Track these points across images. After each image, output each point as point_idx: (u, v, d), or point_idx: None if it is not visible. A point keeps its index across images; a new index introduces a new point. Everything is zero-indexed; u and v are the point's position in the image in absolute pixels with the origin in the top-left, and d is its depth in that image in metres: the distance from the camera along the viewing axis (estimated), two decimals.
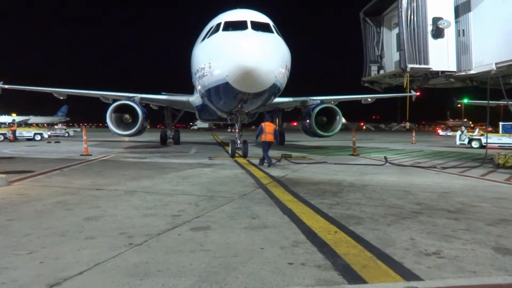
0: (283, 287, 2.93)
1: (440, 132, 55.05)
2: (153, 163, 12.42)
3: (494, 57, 9.88)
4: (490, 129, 23.87)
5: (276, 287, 2.92)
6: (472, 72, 10.64)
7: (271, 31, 12.17)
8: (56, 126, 51.53)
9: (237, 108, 13.65)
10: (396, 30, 11.71)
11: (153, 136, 30.97)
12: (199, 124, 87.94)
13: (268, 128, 12.21)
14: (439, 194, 6.98)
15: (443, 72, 10.94)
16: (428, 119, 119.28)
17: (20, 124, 44.28)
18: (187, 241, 4.05)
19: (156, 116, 28.16)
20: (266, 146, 11.97)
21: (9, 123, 37.86)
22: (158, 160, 13.67)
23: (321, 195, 6.79)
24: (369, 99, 26.74)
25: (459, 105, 42.30)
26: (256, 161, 12.71)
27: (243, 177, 9.21)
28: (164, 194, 6.76)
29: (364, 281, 3.02)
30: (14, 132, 28.13)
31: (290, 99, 22.66)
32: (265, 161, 11.73)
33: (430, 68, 10.75)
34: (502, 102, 23.39)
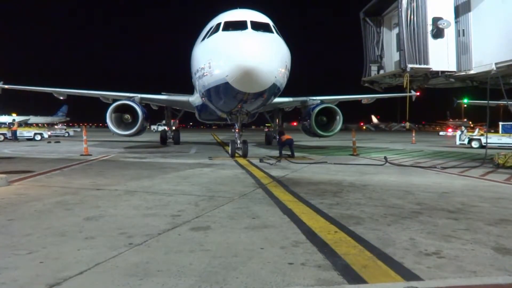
0: (283, 287, 2.93)
1: (441, 132, 55.40)
2: (153, 163, 12.42)
3: (494, 57, 9.88)
4: (484, 130, 23.91)
5: (276, 287, 2.92)
6: (472, 72, 10.64)
7: (271, 31, 12.17)
8: (56, 126, 51.56)
9: (237, 108, 13.65)
10: (396, 30, 11.71)
11: (153, 136, 30.97)
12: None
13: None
14: (439, 194, 6.98)
15: (443, 72, 10.94)
16: (428, 119, 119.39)
17: (20, 124, 44.28)
18: (187, 241, 4.05)
19: (156, 116, 28.17)
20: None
21: (9, 123, 37.78)
22: (158, 160, 13.67)
23: (321, 195, 6.79)
24: (366, 100, 26.60)
25: (465, 105, 42.02)
26: (256, 161, 12.74)
27: (243, 177, 9.22)
28: (164, 194, 6.76)
29: (364, 281, 3.02)
30: (15, 132, 28.13)
31: (290, 99, 22.64)
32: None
33: (430, 68, 10.76)
34: (502, 102, 23.38)
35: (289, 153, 14.89)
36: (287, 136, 15.65)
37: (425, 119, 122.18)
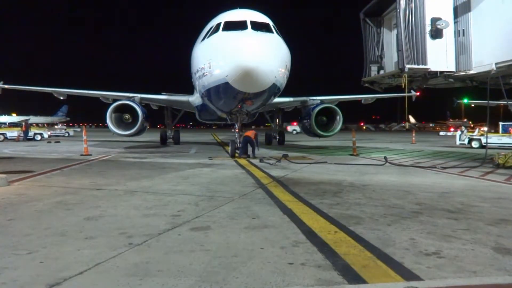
0: (283, 287, 2.93)
1: (441, 132, 55.46)
2: (153, 163, 12.42)
3: (494, 57, 9.87)
4: (482, 130, 24.08)
5: (276, 287, 2.92)
6: (471, 72, 10.63)
7: (271, 31, 12.18)
8: (56, 126, 51.53)
9: (237, 108, 13.66)
10: (396, 31, 11.71)
11: (153, 136, 30.97)
12: None
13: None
14: (439, 194, 6.98)
15: (441, 72, 10.92)
16: (428, 119, 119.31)
17: (20, 124, 44.22)
18: (187, 241, 4.05)
19: (156, 116, 28.18)
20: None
21: (9, 123, 37.77)
22: (158, 160, 13.67)
23: (321, 195, 6.79)
24: (362, 99, 26.57)
25: (472, 105, 41.75)
26: (256, 161, 12.74)
27: (243, 177, 9.21)
28: (164, 194, 6.76)
29: (364, 281, 3.02)
30: (26, 132, 28.22)
31: (290, 99, 22.66)
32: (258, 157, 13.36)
33: (429, 69, 10.73)
34: (502, 102, 23.41)
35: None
36: (248, 132, 14.49)
37: (425, 119, 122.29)
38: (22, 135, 28.20)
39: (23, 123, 30.81)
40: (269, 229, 4.54)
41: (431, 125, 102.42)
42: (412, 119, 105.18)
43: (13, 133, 28.85)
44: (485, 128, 25.09)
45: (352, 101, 28.20)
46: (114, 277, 3.07)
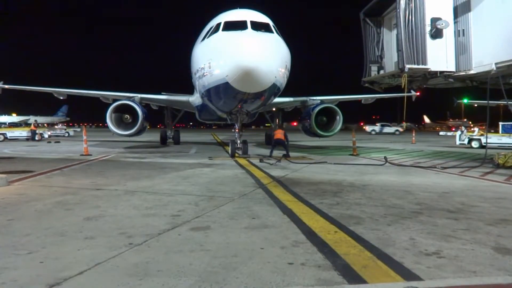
0: (283, 287, 2.93)
1: (441, 132, 55.44)
2: (153, 163, 12.42)
3: (494, 57, 9.87)
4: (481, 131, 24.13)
5: (276, 287, 2.92)
6: (471, 72, 10.63)
7: (271, 31, 12.18)
8: (56, 126, 51.50)
9: (237, 108, 13.66)
10: (396, 31, 11.71)
11: (153, 136, 30.96)
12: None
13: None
14: (439, 194, 6.98)
15: (441, 72, 10.92)
16: (428, 119, 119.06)
17: (20, 124, 44.22)
18: (187, 241, 4.05)
19: (156, 116, 28.17)
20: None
21: (9, 123, 37.77)
22: (158, 160, 13.67)
23: (321, 195, 6.79)
24: (362, 99, 26.54)
25: (476, 105, 41.44)
26: (256, 161, 12.74)
27: (243, 177, 9.22)
28: (164, 194, 6.76)
29: (364, 281, 3.02)
30: (34, 132, 28.28)
31: (290, 99, 22.63)
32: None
33: (429, 69, 10.73)
34: (502, 102, 23.40)
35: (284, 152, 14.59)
36: (278, 135, 14.96)
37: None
38: (31, 135, 28.37)
39: (34, 123, 30.86)
40: (269, 229, 4.54)
41: (450, 123, 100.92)
42: (427, 119, 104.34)
43: (25, 132, 29.01)
44: (477, 129, 25.14)
45: (352, 101, 28.17)
46: (114, 277, 3.07)
